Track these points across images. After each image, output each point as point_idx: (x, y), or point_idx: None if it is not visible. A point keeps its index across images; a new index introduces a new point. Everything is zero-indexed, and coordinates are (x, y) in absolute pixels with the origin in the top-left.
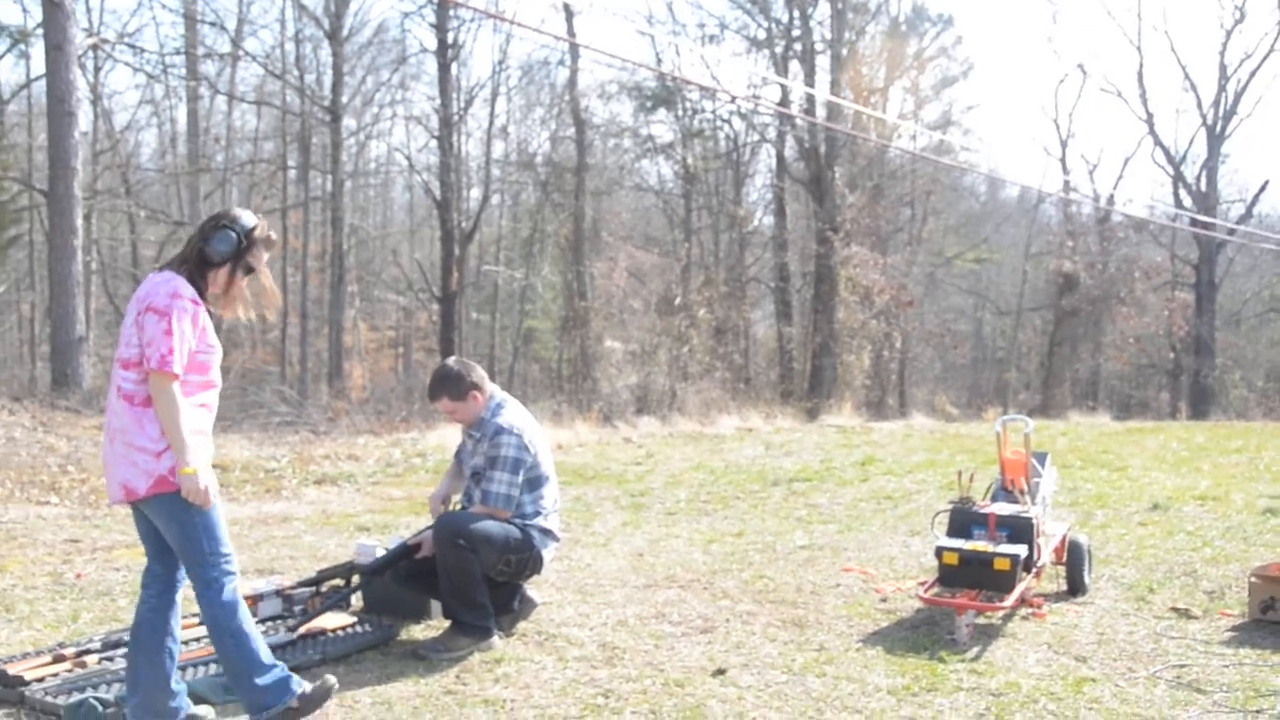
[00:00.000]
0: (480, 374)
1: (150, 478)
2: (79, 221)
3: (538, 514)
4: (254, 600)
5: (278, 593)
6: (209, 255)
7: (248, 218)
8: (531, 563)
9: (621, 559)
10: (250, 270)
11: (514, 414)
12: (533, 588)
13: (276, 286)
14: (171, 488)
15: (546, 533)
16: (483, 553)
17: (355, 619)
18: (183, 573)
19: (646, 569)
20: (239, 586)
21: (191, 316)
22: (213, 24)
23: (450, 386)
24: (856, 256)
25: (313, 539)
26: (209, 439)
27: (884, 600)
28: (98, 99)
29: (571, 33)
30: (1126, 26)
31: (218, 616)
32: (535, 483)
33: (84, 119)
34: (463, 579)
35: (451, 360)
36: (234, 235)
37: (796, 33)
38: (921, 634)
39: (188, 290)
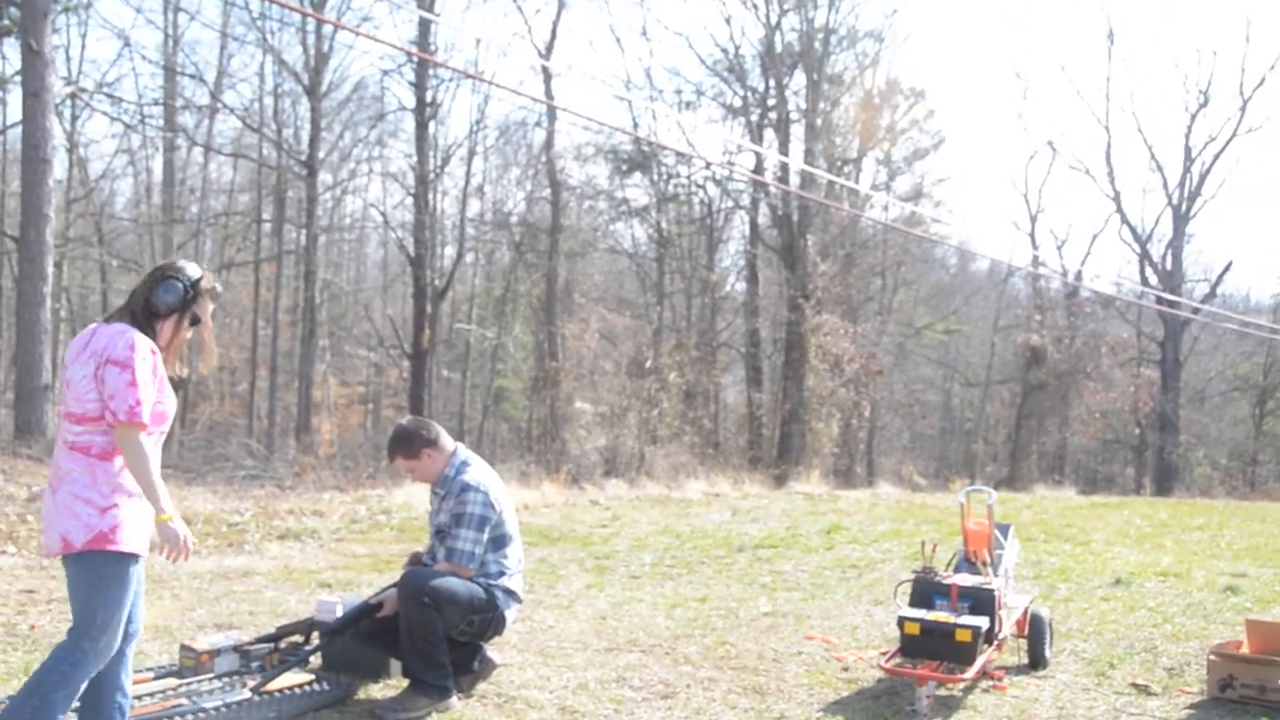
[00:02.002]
0: (436, 431)
1: (90, 532)
2: (49, 269)
3: (502, 573)
4: (211, 655)
5: (235, 648)
6: (155, 307)
7: (193, 269)
8: (494, 623)
9: (584, 622)
10: (196, 321)
11: (479, 472)
12: (493, 649)
13: (214, 343)
14: (109, 545)
15: (510, 593)
16: (446, 612)
17: (313, 676)
18: (134, 627)
19: (609, 632)
20: (83, 682)
21: (151, 367)
22: (192, 76)
23: (403, 445)
24: (827, 324)
25: (274, 594)
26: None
27: (846, 669)
28: (74, 147)
29: (549, 95)
30: (1095, 106)
31: (50, 680)
32: (500, 541)
33: (59, 167)
34: (425, 637)
35: (407, 419)
36: (180, 286)
37: (772, 102)
38: (882, 704)
39: (144, 341)
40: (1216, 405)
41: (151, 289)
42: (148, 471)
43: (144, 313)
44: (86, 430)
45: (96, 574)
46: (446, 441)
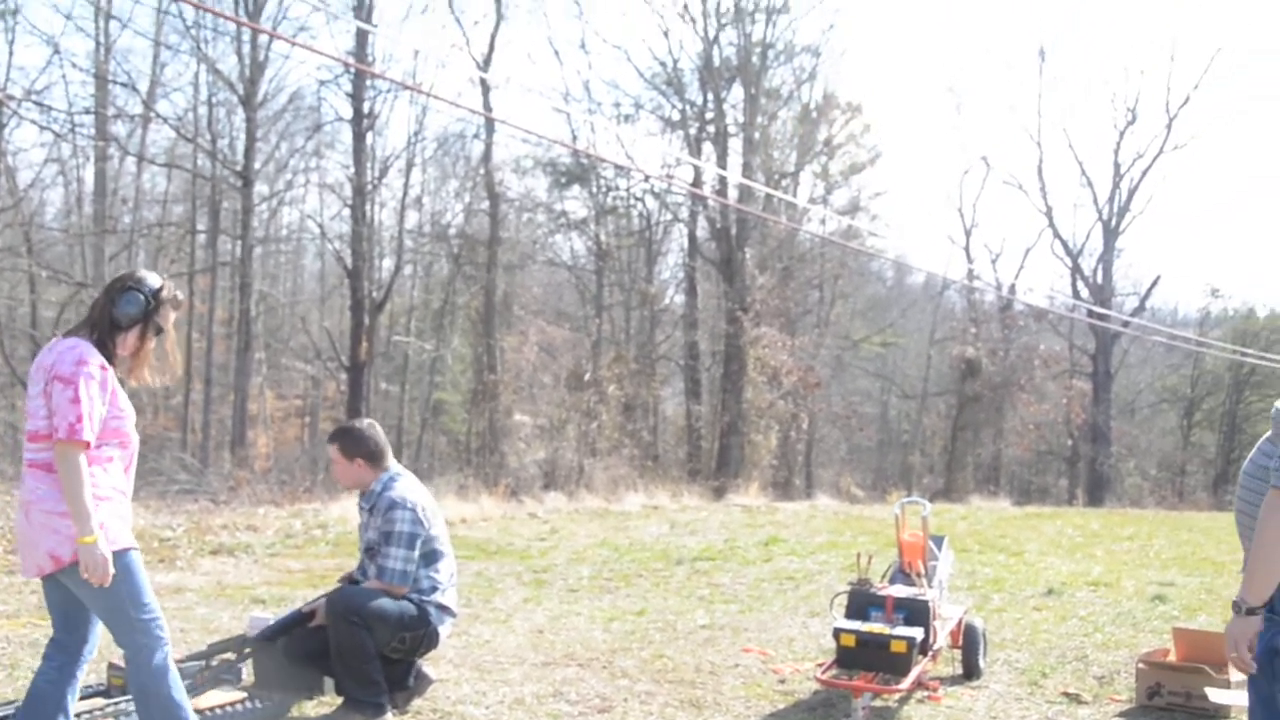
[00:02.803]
0: (380, 449)
1: (74, 542)
2: None
3: (434, 589)
4: None
5: None
6: (117, 319)
7: (153, 279)
8: (427, 640)
9: (521, 636)
10: (160, 331)
11: (408, 487)
12: (429, 664)
13: (179, 352)
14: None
15: (443, 609)
16: (377, 630)
17: (245, 694)
18: (89, 648)
19: (546, 646)
20: (171, 654)
21: (100, 383)
22: (124, 85)
23: (347, 441)
24: (765, 337)
25: (206, 611)
26: (128, 502)
27: (782, 681)
28: (1, 156)
29: (488, 107)
30: (1027, 122)
31: (145, 683)
32: (431, 557)
33: None
34: (355, 656)
35: (368, 422)
36: (141, 297)
37: (710, 115)
38: (819, 715)
39: (95, 357)
40: (1146, 417)
41: (112, 301)
42: (79, 491)
43: (106, 325)
44: (44, 447)
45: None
46: (387, 463)
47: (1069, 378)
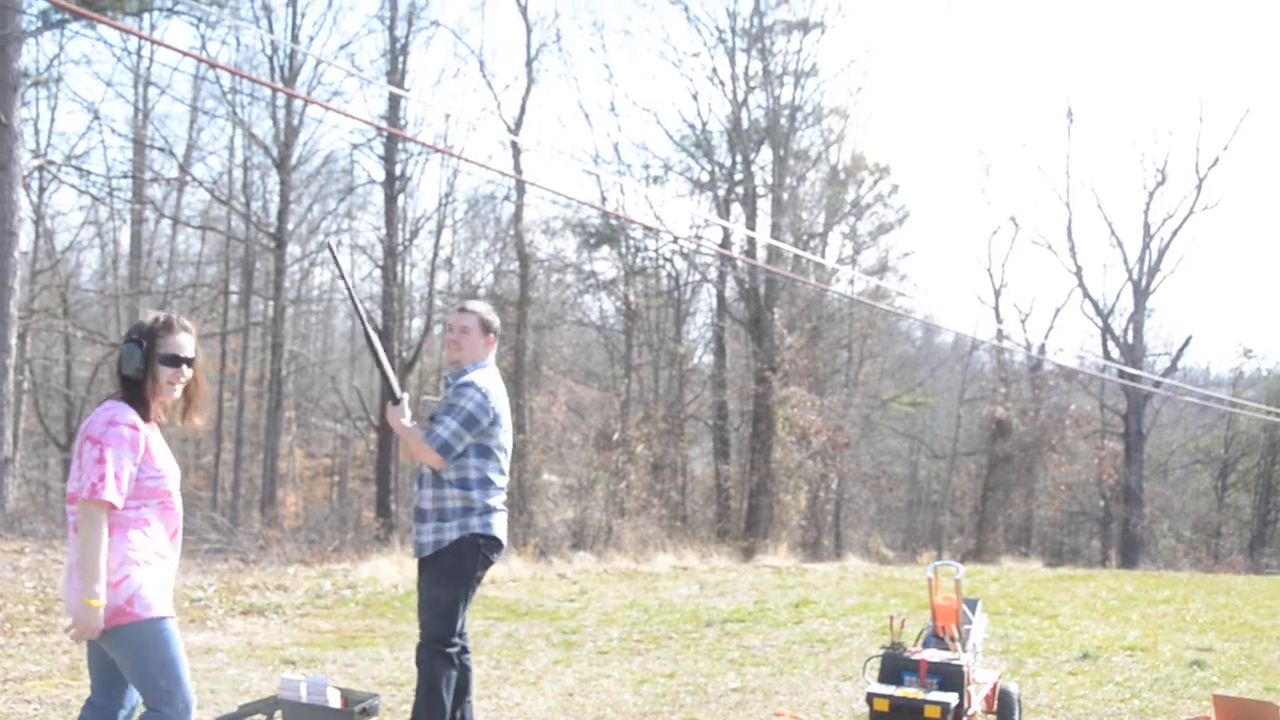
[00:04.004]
0: (499, 334)
1: (108, 609)
2: (12, 341)
3: (483, 485)
4: None
5: None
6: (128, 373)
7: (144, 318)
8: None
9: (551, 699)
10: (176, 361)
11: (490, 378)
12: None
13: (209, 389)
14: (128, 619)
15: (492, 542)
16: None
17: None
18: (125, 713)
19: (576, 709)
20: None
21: (130, 443)
22: (161, 149)
23: (489, 315)
24: (794, 397)
25: (236, 672)
26: (170, 567)
27: None
28: (40, 219)
29: (518, 169)
30: (1055, 182)
31: None
32: (487, 452)
33: (25, 238)
34: (435, 690)
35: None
36: (135, 345)
37: (739, 177)
38: None
39: (126, 416)
40: (1179, 478)
41: (119, 360)
42: (95, 552)
43: (130, 383)
44: (77, 509)
45: (134, 646)
46: (493, 353)
47: (1100, 438)
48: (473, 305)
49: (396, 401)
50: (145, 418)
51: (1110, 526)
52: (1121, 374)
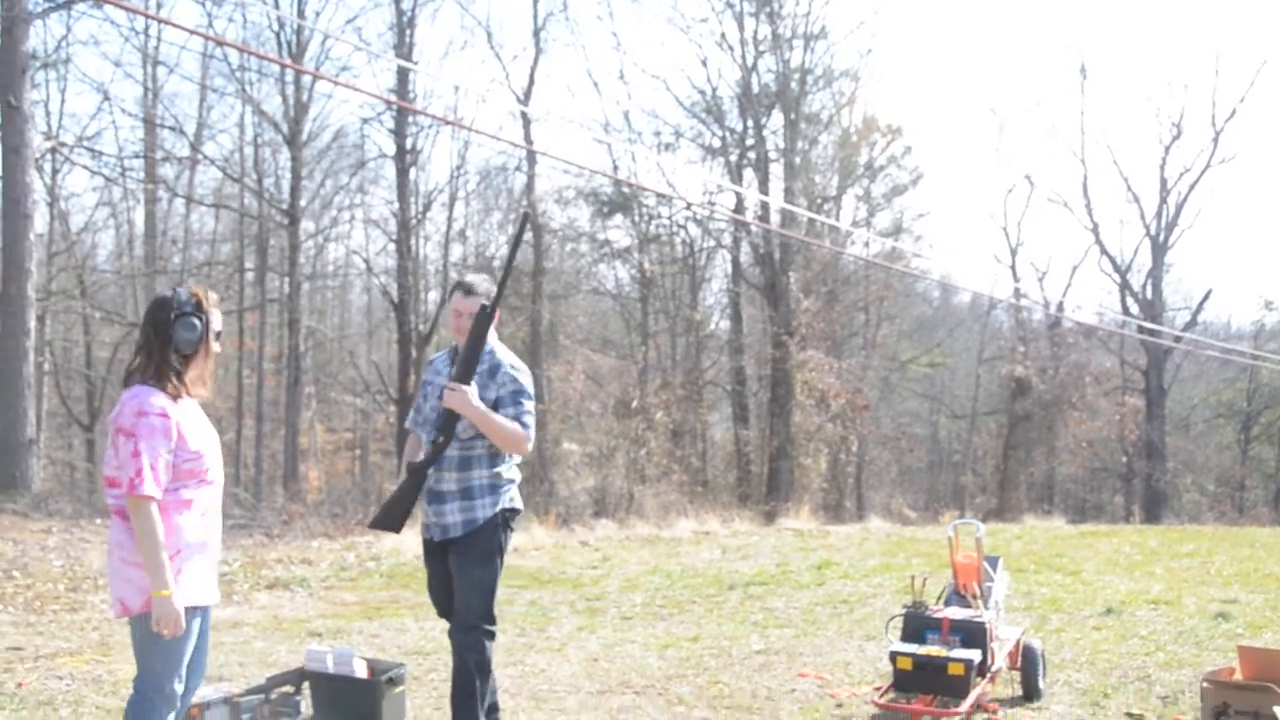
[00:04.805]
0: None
1: (144, 594)
2: (31, 323)
3: (507, 459)
4: (200, 709)
5: (226, 701)
6: (180, 347)
7: (186, 294)
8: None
9: (576, 664)
10: (217, 336)
11: (508, 353)
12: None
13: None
14: None
15: (513, 514)
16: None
17: None
18: (195, 681)
19: (601, 675)
20: None
21: (162, 431)
22: (172, 128)
23: (492, 295)
24: (812, 360)
25: (263, 645)
26: (216, 546)
27: (839, 706)
28: (55, 201)
29: (529, 139)
30: (1070, 140)
31: None
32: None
33: (41, 221)
34: (486, 670)
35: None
36: (196, 321)
37: (750, 142)
38: None
39: (154, 404)
40: (1202, 432)
41: (168, 333)
42: (152, 545)
43: (168, 359)
44: (119, 494)
45: (154, 630)
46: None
47: (1121, 394)
48: (476, 285)
49: (466, 384)
50: (176, 395)
51: (1133, 482)
52: (1141, 329)
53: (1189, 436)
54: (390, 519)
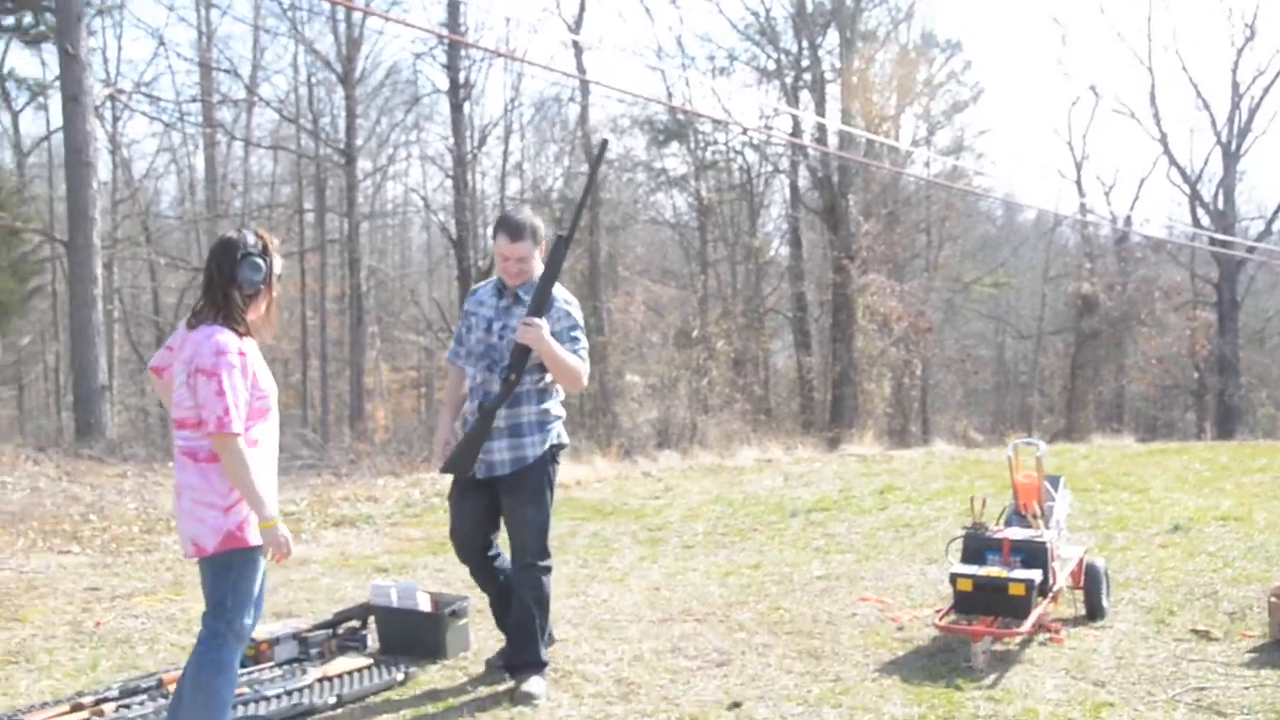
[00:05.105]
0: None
1: (218, 534)
2: (98, 270)
3: (555, 395)
4: (269, 644)
5: (294, 636)
6: (244, 287)
7: (253, 237)
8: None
9: (638, 594)
10: (279, 279)
11: (561, 290)
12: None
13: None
14: (238, 544)
15: (560, 448)
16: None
17: (371, 660)
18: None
19: (663, 603)
20: (236, 662)
21: (241, 369)
22: (227, 71)
23: (538, 234)
24: (873, 284)
25: (330, 581)
26: (275, 481)
27: (900, 629)
28: (116, 148)
29: (581, 69)
30: (1137, 47)
31: (202, 671)
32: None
33: (103, 169)
34: (544, 611)
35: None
36: (261, 263)
37: (806, 63)
38: (938, 662)
39: (232, 344)
40: (1278, 345)
41: (230, 274)
42: (248, 479)
43: (233, 301)
44: (191, 435)
45: (226, 567)
46: None
47: (1192, 309)
48: (522, 227)
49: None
50: (243, 336)
51: (1205, 398)
52: (1213, 241)
53: (1264, 350)
54: (462, 462)
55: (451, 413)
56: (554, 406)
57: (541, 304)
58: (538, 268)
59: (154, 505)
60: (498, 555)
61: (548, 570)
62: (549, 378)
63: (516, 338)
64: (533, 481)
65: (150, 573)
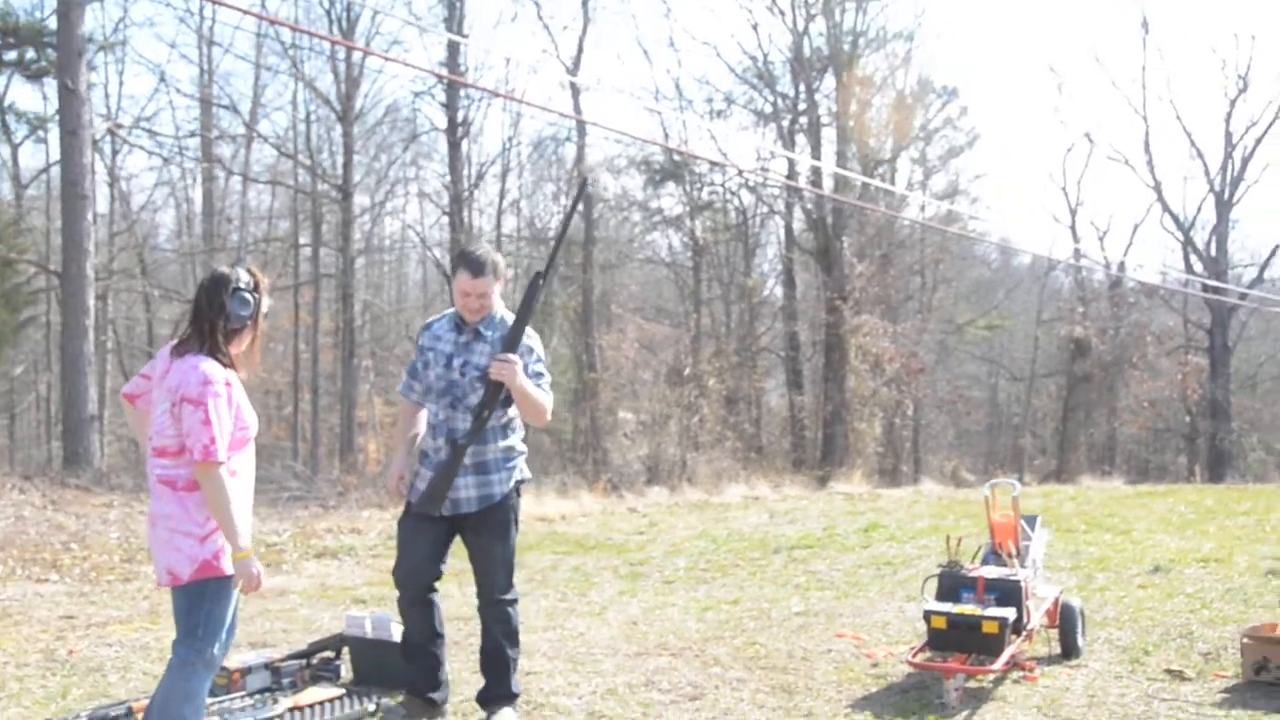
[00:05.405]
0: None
1: (194, 562)
2: (91, 302)
3: (519, 429)
4: (241, 673)
5: (267, 665)
6: (231, 320)
7: (245, 275)
8: None
9: (615, 627)
10: (265, 317)
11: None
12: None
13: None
14: (214, 572)
15: (523, 483)
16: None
17: (343, 691)
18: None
19: (639, 637)
20: (205, 691)
21: (227, 400)
22: (227, 107)
23: (499, 270)
24: (866, 325)
25: (308, 612)
26: (250, 510)
27: (875, 665)
28: (115, 181)
29: (579, 110)
30: (1131, 96)
31: (169, 701)
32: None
33: (102, 201)
34: (515, 643)
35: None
36: (250, 299)
37: (803, 106)
38: (911, 698)
39: (219, 374)
40: (1269, 390)
41: (220, 307)
42: (227, 509)
43: (218, 334)
44: (170, 464)
45: (200, 595)
46: None
47: (1184, 353)
48: (484, 262)
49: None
50: (227, 367)
51: (1197, 442)
52: (1205, 287)
53: (1256, 395)
54: (435, 500)
55: (406, 447)
56: (517, 442)
57: (516, 341)
58: (497, 302)
59: (136, 534)
60: (437, 593)
61: (515, 603)
62: (513, 412)
63: (492, 375)
64: (499, 518)
65: (127, 601)
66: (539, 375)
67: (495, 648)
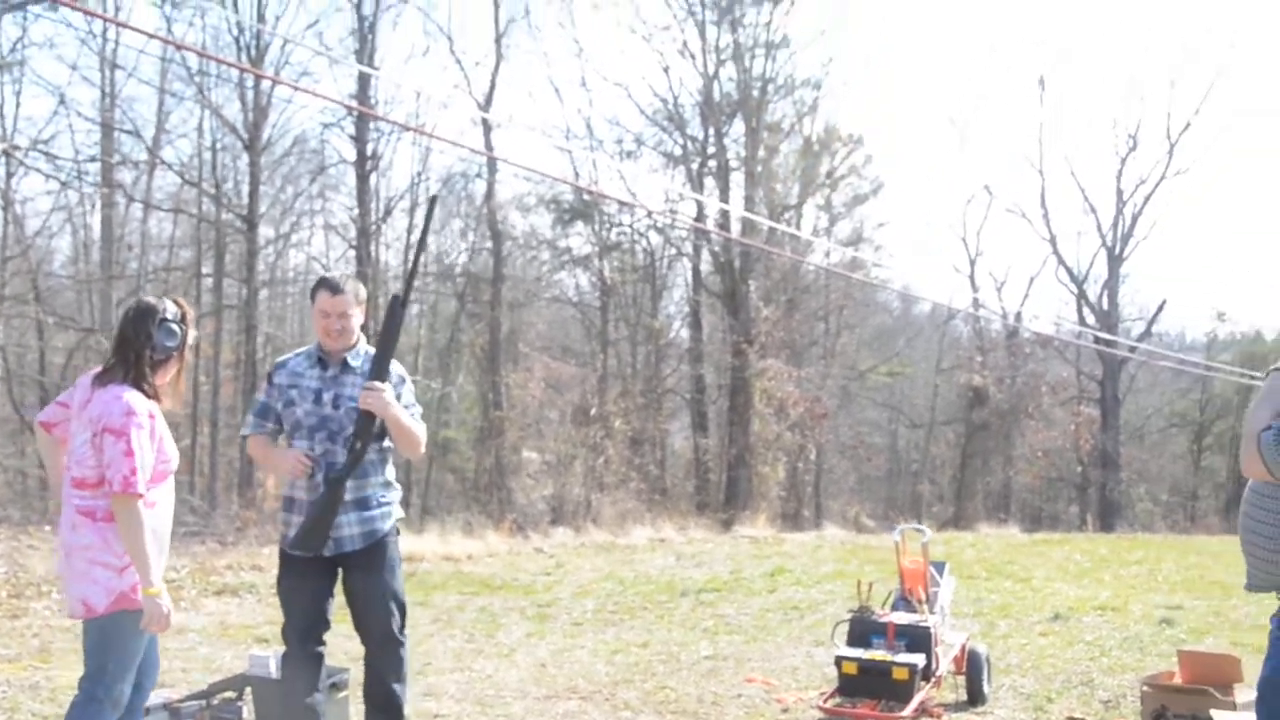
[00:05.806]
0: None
1: (110, 594)
2: None
3: (394, 464)
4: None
5: (165, 706)
6: (156, 350)
7: (171, 306)
8: None
9: (524, 670)
10: (191, 349)
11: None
12: (429, 698)
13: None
14: (130, 605)
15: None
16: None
17: None
18: (142, 698)
19: (548, 680)
20: None
21: (149, 431)
22: (129, 132)
23: (360, 293)
24: (771, 369)
25: (208, 651)
26: (163, 549)
27: (785, 710)
28: (8, 205)
29: (490, 146)
30: (1029, 151)
31: None
32: (385, 431)
33: None
34: (405, 681)
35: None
36: (177, 330)
37: (712, 150)
38: None
39: (142, 405)
40: (1156, 442)
41: (147, 337)
42: (140, 543)
43: (143, 364)
44: (90, 495)
45: (115, 627)
46: None
47: (1077, 404)
48: (342, 283)
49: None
50: (151, 398)
51: (1088, 492)
52: (1097, 340)
53: (1143, 446)
54: (316, 539)
55: (278, 448)
56: (392, 478)
57: (384, 368)
58: (357, 329)
59: (24, 569)
60: (324, 644)
61: (404, 644)
62: (387, 443)
63: (360, 404)
64: (383, 556)
65: (16, 639)
66: (411, 405)
67: (387, 694)
